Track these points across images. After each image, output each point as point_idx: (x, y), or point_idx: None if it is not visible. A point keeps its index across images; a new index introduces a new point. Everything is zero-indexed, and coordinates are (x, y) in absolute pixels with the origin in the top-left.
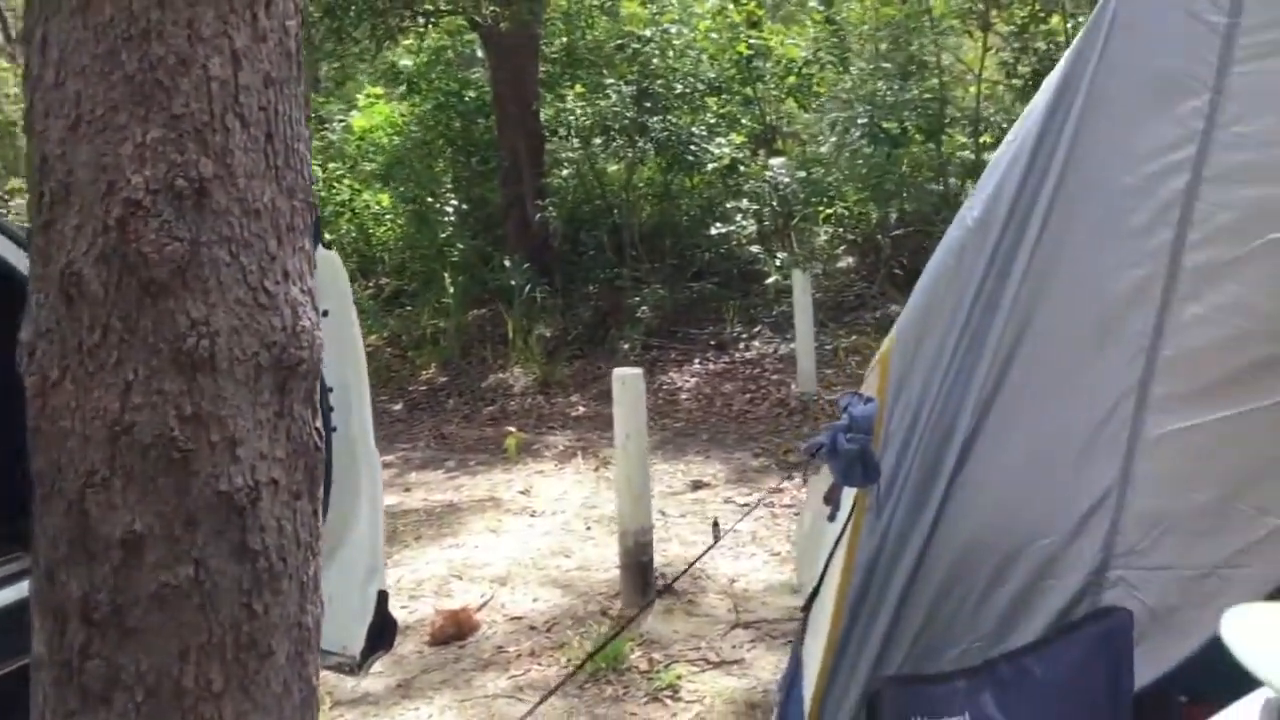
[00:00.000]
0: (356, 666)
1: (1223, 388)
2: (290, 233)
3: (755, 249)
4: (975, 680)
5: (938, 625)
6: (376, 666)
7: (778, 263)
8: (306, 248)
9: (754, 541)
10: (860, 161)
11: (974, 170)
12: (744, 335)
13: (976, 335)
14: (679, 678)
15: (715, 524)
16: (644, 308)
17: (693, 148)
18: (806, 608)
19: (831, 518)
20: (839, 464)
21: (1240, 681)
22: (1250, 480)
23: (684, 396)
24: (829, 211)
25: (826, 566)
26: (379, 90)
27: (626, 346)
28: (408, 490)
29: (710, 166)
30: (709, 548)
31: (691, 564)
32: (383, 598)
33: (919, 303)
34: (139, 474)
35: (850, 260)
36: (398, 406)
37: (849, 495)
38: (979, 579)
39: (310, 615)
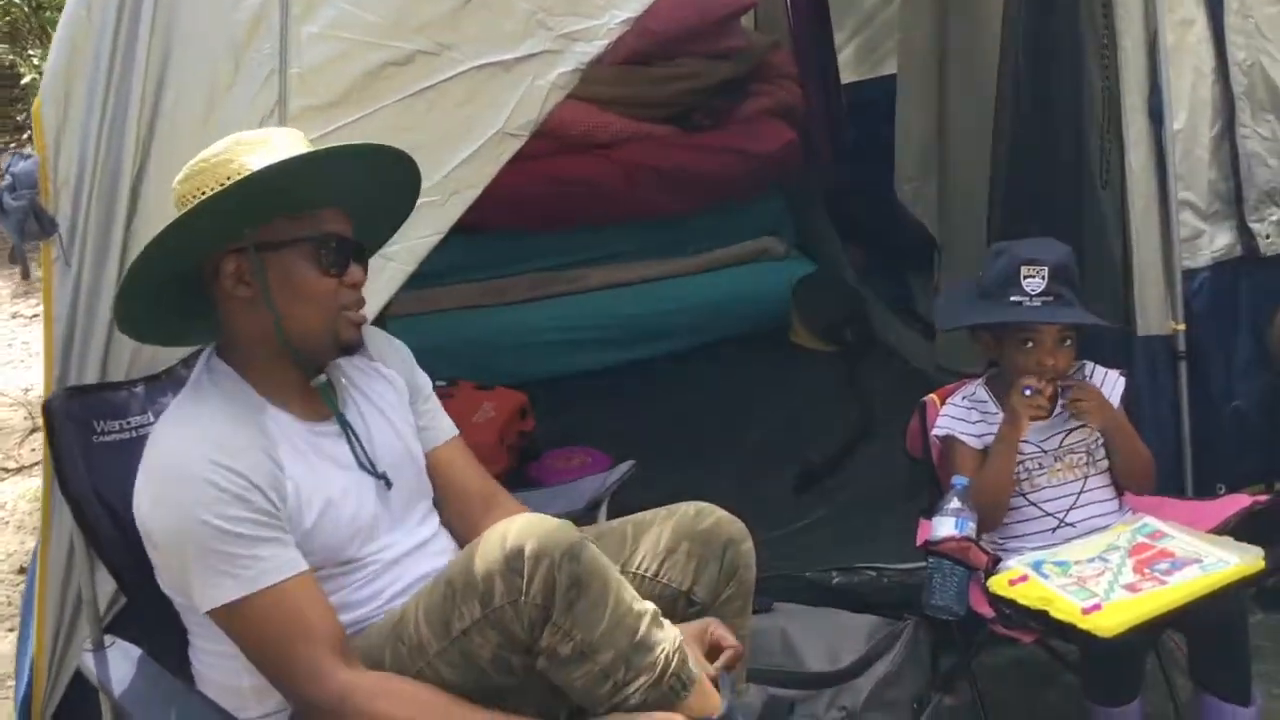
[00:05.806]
0: None
1: (345, 95)
2: None
3: None
4: (156, 384)
5: None
6: None
7: None
8: None
9: None
10: None
11: None
12: None
13: (122, 76)
14: None
15: None
16: None
17: None
18: None
19: (25, 275)
20: (11, 222)
21: None
22: None
23: None
24: None
25: None
26: None
27: None
28: None
29: None
30: None
31: None
32: None
33: (60, 56)
34: None
35: None
36: None
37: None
38: None
39: None
